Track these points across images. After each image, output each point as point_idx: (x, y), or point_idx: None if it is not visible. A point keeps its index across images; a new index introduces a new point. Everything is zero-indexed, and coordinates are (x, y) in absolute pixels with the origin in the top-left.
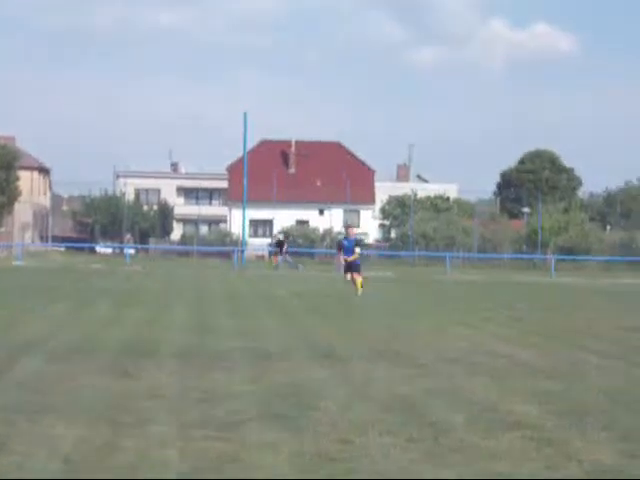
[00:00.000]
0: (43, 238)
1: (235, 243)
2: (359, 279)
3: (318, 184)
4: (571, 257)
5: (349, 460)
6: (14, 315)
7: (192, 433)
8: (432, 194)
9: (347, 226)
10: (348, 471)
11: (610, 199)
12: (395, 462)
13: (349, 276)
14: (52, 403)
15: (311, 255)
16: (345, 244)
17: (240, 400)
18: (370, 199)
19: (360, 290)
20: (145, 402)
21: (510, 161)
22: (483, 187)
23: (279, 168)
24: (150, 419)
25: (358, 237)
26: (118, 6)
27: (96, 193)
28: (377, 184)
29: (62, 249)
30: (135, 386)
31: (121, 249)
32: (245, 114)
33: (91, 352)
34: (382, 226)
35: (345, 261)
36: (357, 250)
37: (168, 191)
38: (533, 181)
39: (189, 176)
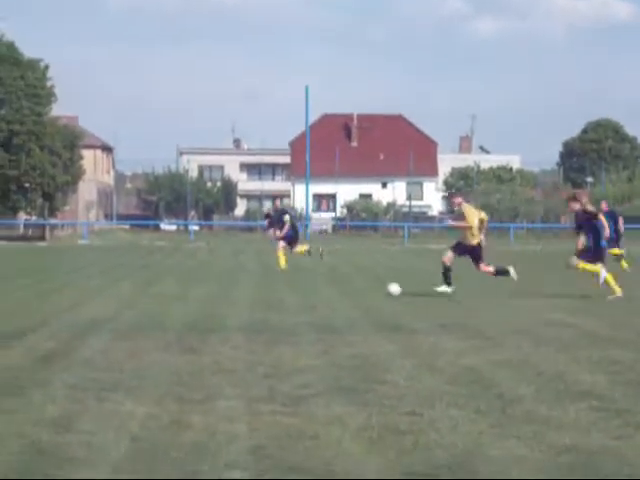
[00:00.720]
0: (107, 216)
1: (299, 218)
2: (281, 250)
3: (381, 157)
4: (636, 226)
5: (417, 433)
6: (80, 293)
7: (259, 408)
8: (495, 165)
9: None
10: (416, 444)
11: None
12: (463, 434)
13: (296, 248)
14: (119, 380)
15: (375, 228)
16: (273, 217)
17: (306, 374)
18: (433, 171)
19: (283, 265)
20: (212, 378)
21: (573, 131)
22: (546, 157)
23: (341, 142)
24: (217, 394)
25: (284, 209)
26: None
27: (160, 170)
28: (440, 156)
29: (127, 227)
30: (201, 362)
31: (185, 226)
32: (307, 88)
33: (157, 329)
34: (445, 198)
35: (275, 235)
36: (286, 218)
37: (231, 167)
38: (596, 150)
39: (252, 152)
